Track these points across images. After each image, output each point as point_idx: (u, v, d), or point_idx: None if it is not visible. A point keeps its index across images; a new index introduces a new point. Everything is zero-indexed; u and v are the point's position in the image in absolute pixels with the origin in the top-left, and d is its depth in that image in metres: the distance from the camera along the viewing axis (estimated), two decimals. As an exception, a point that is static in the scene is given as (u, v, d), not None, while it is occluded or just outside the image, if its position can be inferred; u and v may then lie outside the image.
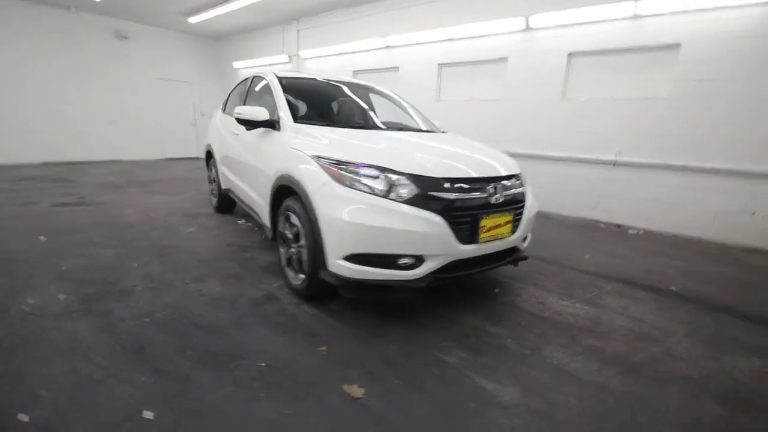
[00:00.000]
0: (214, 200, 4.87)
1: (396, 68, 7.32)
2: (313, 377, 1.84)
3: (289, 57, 9.19)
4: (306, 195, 2.30)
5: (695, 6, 4.33)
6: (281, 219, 2.68)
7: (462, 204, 2.20)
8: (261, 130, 3.12)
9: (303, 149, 2.47)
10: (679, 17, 4.48)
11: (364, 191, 2.13)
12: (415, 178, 2.15)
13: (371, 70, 7.75)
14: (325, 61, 8.48)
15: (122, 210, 4.85)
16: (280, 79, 3.34)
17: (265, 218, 3.04)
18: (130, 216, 4.58)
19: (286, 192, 2.62)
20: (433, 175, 2.18)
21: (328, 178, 2.21)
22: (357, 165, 2.19)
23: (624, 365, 2.06)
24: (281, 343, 2.10)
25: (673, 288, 3.12)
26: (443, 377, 1.89)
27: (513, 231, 2.47)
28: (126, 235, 3.86)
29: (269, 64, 9.57)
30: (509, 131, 6.00)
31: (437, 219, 2.11)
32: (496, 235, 2.34)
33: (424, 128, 3.54)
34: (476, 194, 2.26)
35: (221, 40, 11.31)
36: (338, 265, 2.17)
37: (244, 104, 3.87)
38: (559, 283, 3.12)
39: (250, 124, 3.08)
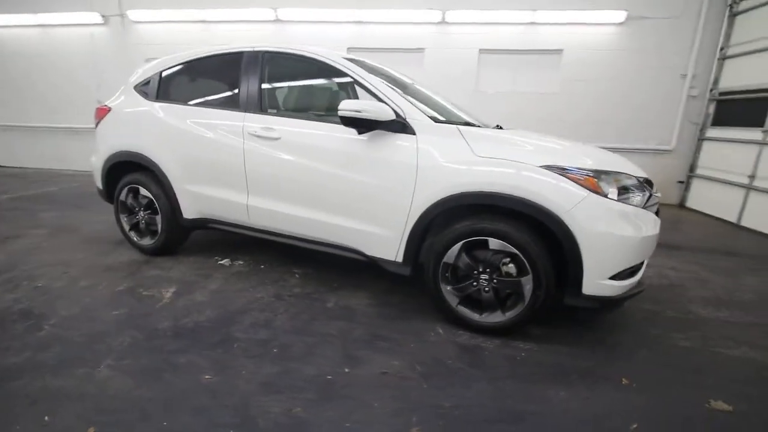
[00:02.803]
0: (148, 240, 3.16)
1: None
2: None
3: (104, 17, 6.44)
4: (551, 214, 1.92)
5: (572, 20, 5.64)
6: (456, 251, 2.11)
7: (651, 204, 2.33)
8: (353, 136, 2.28)
9: (513, 158, 2.01)
10: (562, 28, 5.73)
11: (625, 201, 1.97)
12: (642, 182, 2.14)
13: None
14: (174, 29, 6.41)
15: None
16: (358, 63, 2.48)
17: (389, 249, 2.31)
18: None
19: (460, 212, 2.10)
20: (643, 176, 2.22)
21: (586, 192, 1.91)
22: (610, 173, 1.98)
23: None
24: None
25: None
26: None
27: None
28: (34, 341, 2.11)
29: (45, 25, 6.44)
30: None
31: (657, 221, 2.19)
32: None
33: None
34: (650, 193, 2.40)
35: None
36: (602, 286, 1.96)
37: (260, 97, 2.64)
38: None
39: (365, 126, 2.19)
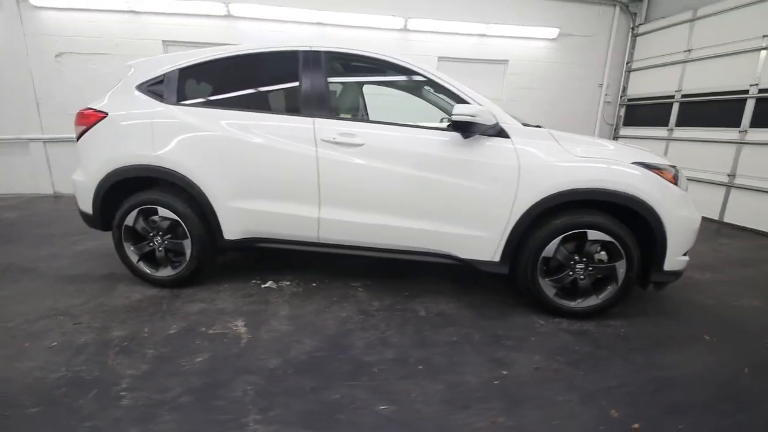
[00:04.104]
0: (168, 270, 2.64)
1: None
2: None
3: (-13, -3, 5.02)
4: (646, 204, 2.20)
5: (516, 34, 6.30)
6: (555, 245, 2.27)
7: None
8: (450, 140, 2.29)
9: (607, 157, 2.25)
10: (508, 41, 6.36)
11: (684, 190, 2.36)
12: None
13: (200, 43, 5.67)
14: (90, 18, 5.33)
15: None
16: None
17: (486, 250, 2.37)
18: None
19: (550, 210, 2.27)
20: None
21: (669, 184, 2.24)
22: (675, 167, 2.34)
23: None
24: None
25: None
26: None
27: None
28: None
29: None
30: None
31: None
32: None
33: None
34: None
35: None
36: (677, 261, 2.32)
37: (329, 101, 2.42)
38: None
39: (470, 130, 2.20)
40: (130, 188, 2.60)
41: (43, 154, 5.66)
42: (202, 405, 1.63)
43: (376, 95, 2.91)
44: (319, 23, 5.84)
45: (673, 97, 5.77)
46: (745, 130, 4.75)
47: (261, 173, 2.44)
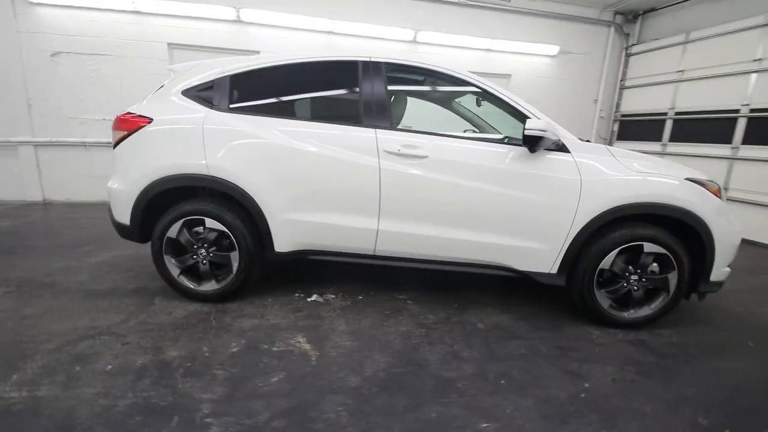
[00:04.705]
0: (212, 284, 2.51)
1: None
2: None
3: (-23, -10, 4.69)
4: (699, 218, 2.30)
5: (520, 50, 6.51)
6: (612, 257, 2.34)
7: None
8: (515, 155, 2.32)
9: (663, 173, 2.35)
10: (511, 56, 6.55)
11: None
12: None
13: (207, 47, 5.51)
14: (92, 18, 5.07)
15: None
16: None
17: (545, 262, 2.40)
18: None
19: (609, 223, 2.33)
20: None
21: (718, 199, 2.35)
22: (716, 183, 2.45)
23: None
24: None
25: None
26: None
27: None
28: None
29: None
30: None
31: None
32: None
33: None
34: None
35: None
36: (722, 272, 2.43)
37: (390, 112, 2.41)
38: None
39: (538, 145, 2.23)
40: (170, 199, 2.47)
41: (33, 158, 5.29)
42: (299, 428, 1.54)
43: (427, 107, 2.92)
44: (330, 32, 5.81)
45: (666, 114, 6.11)
46: (738, 147, 5.09)
47: (319, 184, 2.38)
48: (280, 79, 2.54)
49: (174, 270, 2.52)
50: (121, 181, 2.49)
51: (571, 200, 2.31)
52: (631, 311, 2.46)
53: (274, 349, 2.09)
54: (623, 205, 2.29)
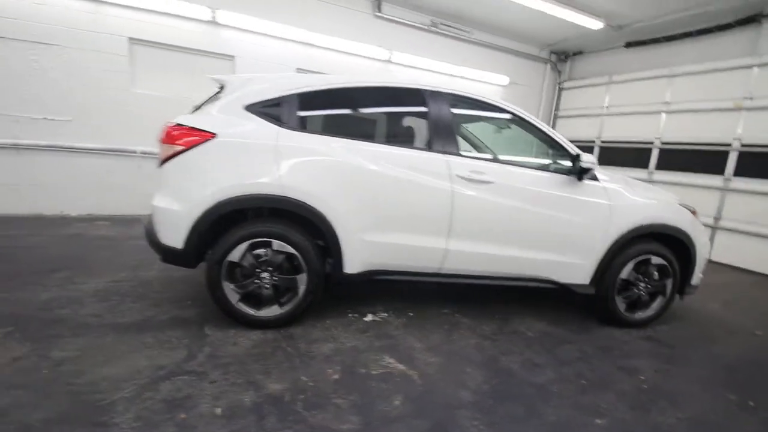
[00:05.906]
0: (275, 309, 2.39)
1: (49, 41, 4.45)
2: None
3: None
4: (687, 234, 2.89)
5: (479, 78, 7.15)
6: (630, 268, 2.83)
7: None
8: (563, 182, 2.69)
9: (664, 199, 2.90)
10: (472, 83, 7.16)
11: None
12: None
13: (174, 46, 5.01)
14: (41, 0, 4.28)
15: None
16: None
17: (581, 275, 2.79)
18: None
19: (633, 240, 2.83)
20: None
21: (697, 220, 2.99)
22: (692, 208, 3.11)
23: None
24: None
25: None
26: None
27: None
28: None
29: None
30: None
31: None
32: None
33: None
34: None
35: None
36: (698, 277, 3.08)
37: (455, 139, 2.60)
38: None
39: (585, 174, 2.60)
40: (226, 222, 2.31)
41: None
42: (458, 446, 1.62)
43: (508, 138, 3.20)
44: (308, 44, 5.74)
45: (594, 142, 7.27)
46: (652, 171, 6.30)
47: (396, 205, 2.45)
48: (352, 101, 2.55)
49: (233, 296, 2.33)
50: (176, 201, 2.24)
51: (604, 222, 2.74)
52: (640, 313, 2.97)
53: (374, 372, 2.10)
54: (642, 225, 2.79)
